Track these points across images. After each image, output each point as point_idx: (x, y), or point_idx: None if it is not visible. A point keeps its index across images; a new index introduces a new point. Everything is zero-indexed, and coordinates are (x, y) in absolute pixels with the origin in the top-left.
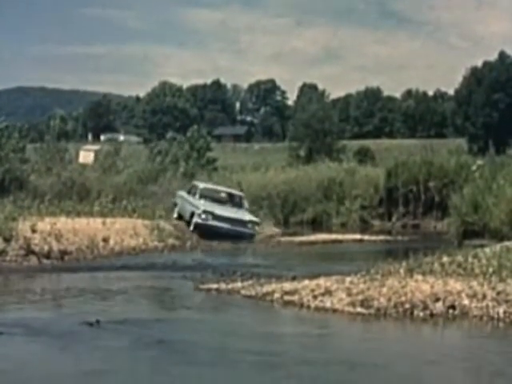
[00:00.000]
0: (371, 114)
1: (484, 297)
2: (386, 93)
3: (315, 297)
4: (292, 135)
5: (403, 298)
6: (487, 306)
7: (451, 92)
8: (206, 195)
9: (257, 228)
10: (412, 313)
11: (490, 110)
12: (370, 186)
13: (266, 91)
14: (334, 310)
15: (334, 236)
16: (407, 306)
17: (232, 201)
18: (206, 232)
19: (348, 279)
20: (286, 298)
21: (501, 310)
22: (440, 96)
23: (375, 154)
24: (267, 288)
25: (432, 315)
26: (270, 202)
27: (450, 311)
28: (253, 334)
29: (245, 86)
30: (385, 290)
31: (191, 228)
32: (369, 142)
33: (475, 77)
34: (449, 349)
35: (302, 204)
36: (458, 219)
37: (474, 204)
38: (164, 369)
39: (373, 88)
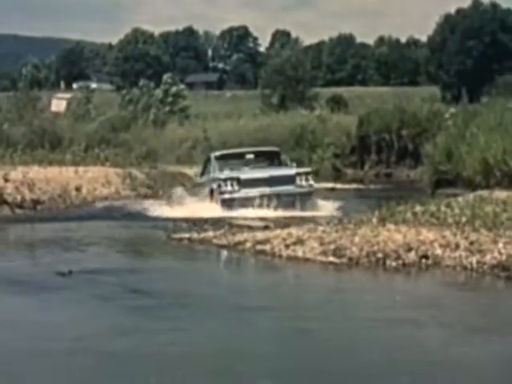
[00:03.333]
0: (344, 61)
1: (457, 246)
2: (358, 40)
3: (287, 246)
4: (264, 82)
5: (375, 248)
6: (460, 256)
7: (424, 39)
8: (226, 164)
9: (311, 182)
10: (384, 262)
11: (464, 58)
12: (342, 134)
13: (238, 38)
14: (306, 260)
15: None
16: (379, 255)
17: (264, 160)
18: (238, 207)
19: (320, 228)
20: (258, 247)
21: (474, 260)
22: (413, 43)
23: (348, 102)
24: (239, 237)
25: (404, 265)
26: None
27: (423, 261)
28: (221, 283)
29: (217, 32)
30: (357, 239)
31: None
32: (341, 90)
33: (449, 24)
34: (420, 299)
35: None
36: (431, 168)
37: (447, 153)
38: (138, 317)
39: (346, 35)
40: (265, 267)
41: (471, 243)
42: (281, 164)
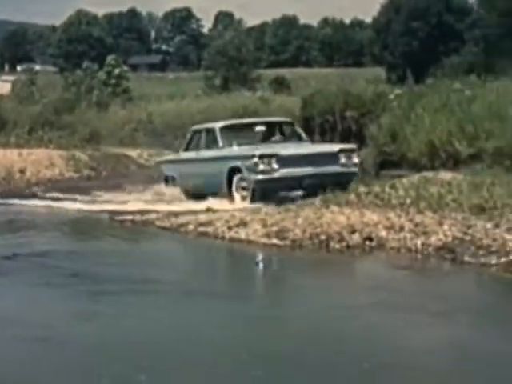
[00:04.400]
0: (287, 43)
1: (401, 228)
2: (302, 21)
3: (230, 228)
4: (207, 64)
5: (319, 230)
6: (405, 238)
7: (369, 20)
8: (234, 137)
9: (356, 159)
10: (328, 244)
11: (409, 39)
12: (285, 116)
13: (181, 19)
14: (249, 242)
15: None
16: (323, 237)
17: (276, 133)
18: (273, 192)
19: (263, 210)
20: (201, 229)
21: (419, 242)
22: (357, 24)
23: (291, 83)
24: (182, 219)
25: (348, 247)
26: (185, 131)
27: (367, 243)
28: (162, 265)
29: (160, 14)
30: (300, 221)
31: (249, 197)
32: (285, 71)
33: (393, 5)
34: (368, 282)
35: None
36: (375, 149)
37: (392, 134)
38: (80, 299)
39: (289, 16)
40: (208, 249)
41: (416, 225)
42: (297, 137)
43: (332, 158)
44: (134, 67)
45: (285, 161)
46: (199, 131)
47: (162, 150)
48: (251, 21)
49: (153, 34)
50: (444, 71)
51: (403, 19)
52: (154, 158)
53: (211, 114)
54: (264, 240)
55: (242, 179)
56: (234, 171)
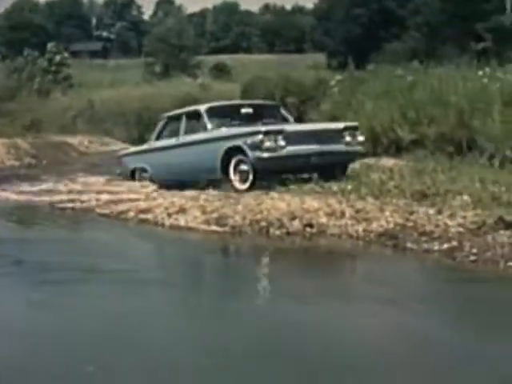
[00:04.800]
0: (228, 29)
1: (342, 215)
2: (243, 7)
3: (170, 215)
4: (148, 51)
5: (259, 216)
6: (346, 225)
7: (310, 6)
8: (221, 119)
9: (361, 138)
10: (268, 231)
11: (351, 25)
12: None
13: (122, 6)
14: (189, 228)
15: None
16: (263, 223)
17: (263, 115)
18: (278, 172)
19: (203, 197)
20: (141, 216)
21: (360, 229)
22: (298, 10)
23: (232, 70)
24: (122, 207)
25: (288, 233)
26: (125, 118)
27: (308, 229)
28: (107, 253)
29: (101, 0)
30: (240, 207)
31: (248, 182)
32: (226, 58)
33: None
34: (307, 268)
35: (157, 120)
36: None
37: (333, 120)
38: (24, 289)
39: (230, 2)
40: (150, 237)
41: (357, 211)
42: (284, 120)
43: (337, 135)
44: (76, 54)
45: (291, 137)
46: (175, 117)
47: (102, 137)
48: (192, 7)
49: (94, 20)
50: (385, 57)
51: (345, 5)
52: (94, 146)
53: (151, 101)
54: (204, 227)
55: (240, 161)
56: (231, 152)
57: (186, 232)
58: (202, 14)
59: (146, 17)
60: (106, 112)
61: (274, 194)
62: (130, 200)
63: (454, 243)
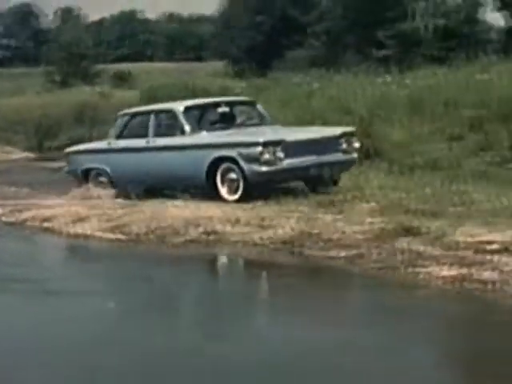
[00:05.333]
0: (128, 37)
1: (240, 222)
2: (143, 16)
3: (73, 223)
4: (48, 60)
5: (162, 224)
6: (246, 232)
7: (212, 14)
8: (198, 120)
9: (357, 144)
10: (170, 239)
11: (253, 33)
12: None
13: (23, 14)
14: (91, 236)
15: None
16: (162, 231)
17: (241, 114)
18: (273, 185)
19: (105, 205)
20: (45, 224)
21: (264, 236)
22: (200, 19)
23: (133, 78)
24: (26, 214)
25: (188, 241)
26: (25, 127)
27: (207, 237)
28: (12, 262)
29: (3, 9)
30: (141, 216)
31: (239, 191)
32: (126, 66)
33: None
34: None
35: (56, 129)
36: None
37: None
38: None
39: (130, 11)
40: (49, 245)
41: (262, 219)
42: (260, 118)
43: (334, 143)
44: None
45: (290, 149)
46: (140, 114)
47: (4, 146)
48: (92, 16)
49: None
50: (287, 64)
51: (247, 13)
52: None
53: (51, 110)
54: (105, 235)
55: (229, 169)
56: (219, 161)
57: (89, 240)
58: (102, 22)
59: (46, 26)
60: (6, 121)
61: (175, 202)
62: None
63: (357, 250)
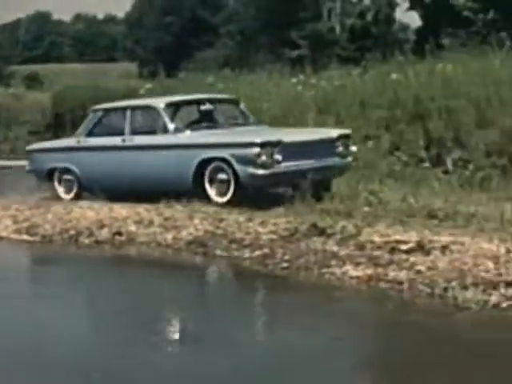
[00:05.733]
0: (40, 38)
1: (151, 223)
2: (55, 16)
3: None
4: None
5: (68, 225)
6: (155, 233)
7: (122, 15)
8: (180, 119)
9: (353, 147)
10: (77, 239)
11: (162, 34)
12: (38, 112)
13: None
14: (0, 238)
15: (2, 162)
16: (72, 232)
17: (223, 111)
18: (266, 189)
19: (14, 206)
20: None
21: (169, 237)
22: (110, 19)
23: (44, 79)
24: None
25: (97, 242)
26: None
27: (117, 237)
28: None
29: None
30: (50, 216)
31: (228, 195)
32: (38, 67)
33: (147, 0)
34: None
35: None
36: None
37: None
38: None
39: (42, 11)
40: None
41: (166, 219)
42: (244, 117)
43: (330, 146)
44: None
45: (287, 150)
46: (114, 110)
47: None
48: (5, 16)
49: None
50: (196, 65)
51: (156, 14)
52: None
53: None
54: (15, 236)
55: (218, 169)
56: (206, 162)
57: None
58: (16, 23)
59: None
60: None
61: (83, 203)
62: None
63: (266, 250)
